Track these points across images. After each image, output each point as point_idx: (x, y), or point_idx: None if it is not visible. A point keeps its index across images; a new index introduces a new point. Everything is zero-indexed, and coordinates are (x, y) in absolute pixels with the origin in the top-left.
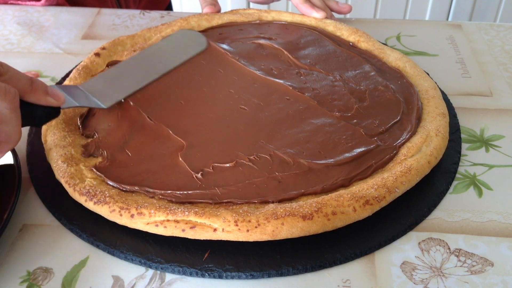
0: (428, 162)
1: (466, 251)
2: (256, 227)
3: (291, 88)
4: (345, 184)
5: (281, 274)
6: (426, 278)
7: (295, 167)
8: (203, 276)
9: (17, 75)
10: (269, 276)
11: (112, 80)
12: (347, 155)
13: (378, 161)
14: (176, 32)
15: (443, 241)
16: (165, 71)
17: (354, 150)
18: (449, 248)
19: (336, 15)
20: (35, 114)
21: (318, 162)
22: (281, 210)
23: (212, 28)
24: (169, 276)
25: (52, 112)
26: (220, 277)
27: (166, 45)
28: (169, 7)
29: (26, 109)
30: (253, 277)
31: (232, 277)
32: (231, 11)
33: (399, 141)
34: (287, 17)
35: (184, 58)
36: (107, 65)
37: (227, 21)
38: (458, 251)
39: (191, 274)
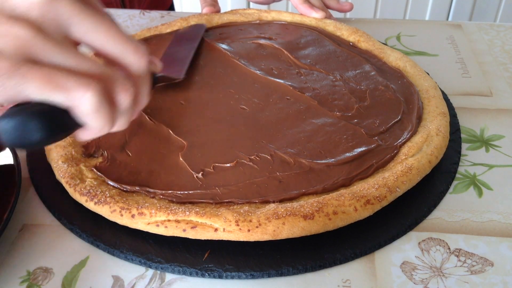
0: (429, 161)
1: (466, 251)
2: (257, 227)
3: (291, 88)
4: (346, 184)
5: (281, 274)
6: (426, 278)
7: (296, 167)
8: (203, 276)
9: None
10: (269, 276)
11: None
12: (348, 154)
13: (379, 161)
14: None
15: (443, 241)
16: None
17: (355, 150)
18: (449, 248)
19: (336, 15)
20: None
21: (319, 161)
22: (282, 210)
23: (212, 28)
24: (169, 276)
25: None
26: (220, 277)
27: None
28: (171, 8)
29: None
30: (253, 277)
31: (232, 277)
32: (231, 11)
33: (399, 140)
34: (287, 17)
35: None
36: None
37: (227, 21)
38: (458, 251)
39: (191, 274)
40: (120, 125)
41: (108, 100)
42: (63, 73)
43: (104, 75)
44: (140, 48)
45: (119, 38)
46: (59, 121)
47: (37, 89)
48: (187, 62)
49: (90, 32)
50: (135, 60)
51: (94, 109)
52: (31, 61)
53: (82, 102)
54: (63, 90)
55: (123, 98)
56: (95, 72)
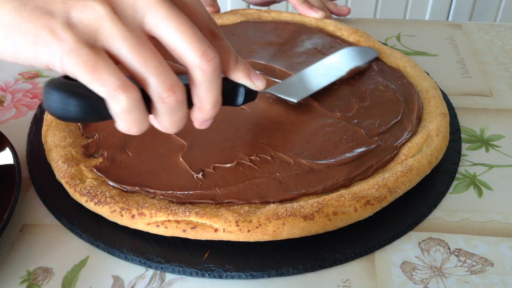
0: (429, 162)
1: (466, 251)
2: (257, 227)
3: None
4: (346, 184)
5: (281, 274)
6: (426, 278)
7: (296, 167)
8: (203, 276)
9: (228, 46)
10: (269, 276)
11: (293, 83)
12: (348, 155)
13: (379, 161)
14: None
15: (443, 241)
16: (341, 74)
17: (355, 150)
18: (449, 248)
19: (335, 16)
20: (234, 92)
21: (319, 162)
22: (282, 210)
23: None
24: (169, 276)
25: (249, 95)
26: (220, 277)
27: (337, 56)
28: None
29: (227, 85)
30: (253, 277)
31: (232, 277)
32: (231, 11)
33: (399, 141)
34: (287, 17)
35: (357, 63)
36: None
37: (227, 21)
38: (458, 251)
39: (191, 274)
40: (167, 126)
41: (142, 107)
42: (110, 70)
43: (151, 78)
44: (208, 52)
45: (189, 37)
46: (94, 106)
47: (83, 75)
48: (313, 89)
49: (162, 24)
50: (198, 62)
51: (123, 112)
52: (92, 46)
53: (115, 102)
54: (103, 85)
55: (160, 105)
56: (146, 72)
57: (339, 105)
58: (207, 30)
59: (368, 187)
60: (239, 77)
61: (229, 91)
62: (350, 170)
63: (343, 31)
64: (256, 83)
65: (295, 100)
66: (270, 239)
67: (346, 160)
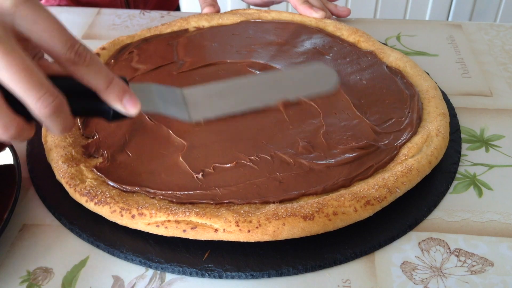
0: (428, 162)
1: (466, 251)
2: (257, 227)
3: None
4: (346, 185)
5: (281, 274)
6: (426, 278)
7: (296, 168)
8: (203, 276)
9: (96, 70)
10: (269, 276)
11: (213, 94)
12: (348, 155)
13: (379, 162)
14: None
15: (443, 241)
16: (277, 100)
17: (355, 151)
18: (449, 248)
19: (334, 17)
20: (102, 109)
21: (319, 162)
22: (282, 211)
23: (212, 27)
24: (169, 276)
25: (121, 115)
26: (220, 277)
27: (292, 72)
28: (177, 10)
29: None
30: (253, 277)
31: (232, 277)
32: (231, 11)
33: (399, 141)
34: (287, 17)
35: (303, 94)
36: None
37: (227, 21)
38: (458, 251)
39: (191, 274)
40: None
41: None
42: None
43: None
44: (44, 99)
45: (23, 85)
46: None
47: None
48: (225, 110)
49: (31, 21)
50: (34, 108)
51: None
52: None
53: None
54: None
55: None
56: None
57: (338, 106)
58: (65, 58)
59: (368, 187)
60: (110, 100)
61: (97, 105)
62: (350, 170)
63: (343, 31)
64: (128, 109)
65: (188, 120)
66: (270, 239)
67: (346, 161)
